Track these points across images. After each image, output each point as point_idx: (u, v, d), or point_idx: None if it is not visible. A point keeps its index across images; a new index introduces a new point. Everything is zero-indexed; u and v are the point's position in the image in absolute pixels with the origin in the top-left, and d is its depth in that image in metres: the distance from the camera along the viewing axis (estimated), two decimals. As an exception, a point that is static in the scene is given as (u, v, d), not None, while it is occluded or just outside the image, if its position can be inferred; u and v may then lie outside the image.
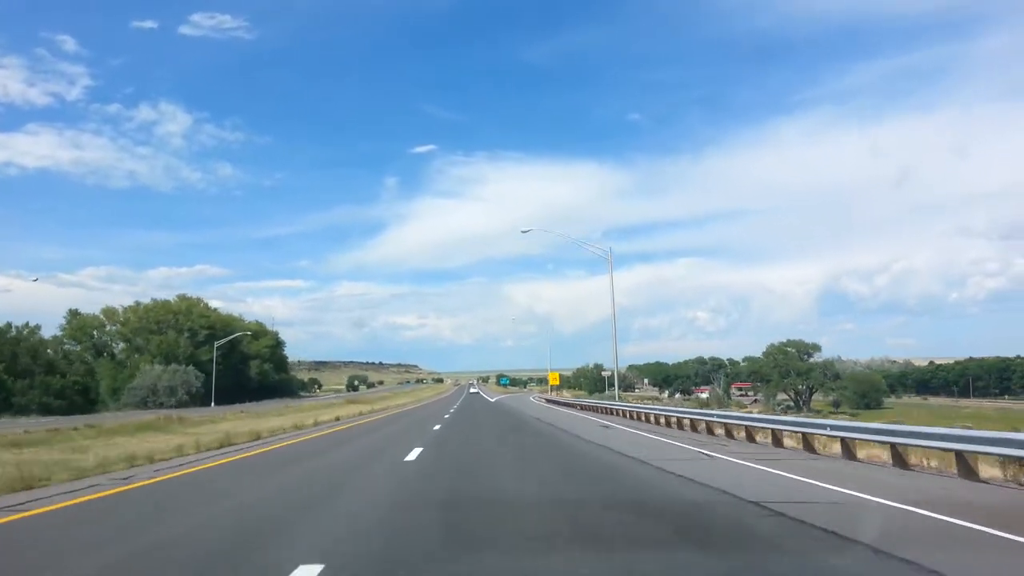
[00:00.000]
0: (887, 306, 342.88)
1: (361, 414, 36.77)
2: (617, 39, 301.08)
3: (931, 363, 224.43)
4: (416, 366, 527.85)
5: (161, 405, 60.62)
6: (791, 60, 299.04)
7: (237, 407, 54.35)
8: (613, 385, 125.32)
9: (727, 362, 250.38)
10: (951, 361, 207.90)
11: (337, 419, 29.37)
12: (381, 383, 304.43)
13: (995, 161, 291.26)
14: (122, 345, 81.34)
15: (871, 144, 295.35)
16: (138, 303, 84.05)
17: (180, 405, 60.02)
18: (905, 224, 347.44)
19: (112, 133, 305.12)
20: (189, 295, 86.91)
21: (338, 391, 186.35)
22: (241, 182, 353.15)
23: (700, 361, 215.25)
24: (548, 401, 63.55)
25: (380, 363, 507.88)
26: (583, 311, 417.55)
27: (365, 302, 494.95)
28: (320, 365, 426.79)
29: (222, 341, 71.86)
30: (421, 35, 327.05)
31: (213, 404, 62.89)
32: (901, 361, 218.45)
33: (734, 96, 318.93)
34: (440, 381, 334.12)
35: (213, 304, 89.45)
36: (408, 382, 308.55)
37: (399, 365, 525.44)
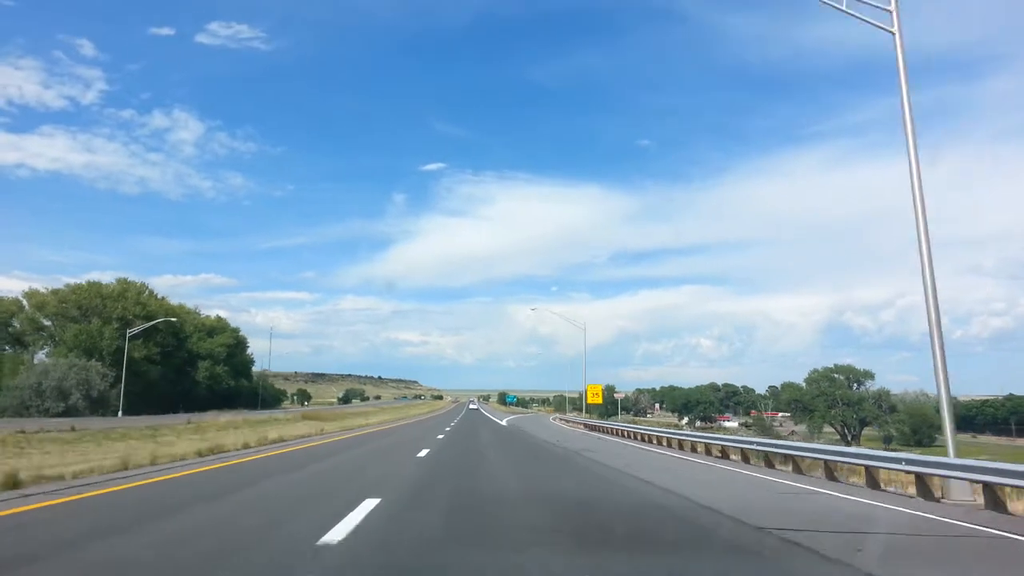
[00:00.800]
0: (891, 341, 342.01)
1: (271, 442, 21.60)
2: (629, 63, 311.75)
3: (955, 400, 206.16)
4: (416, 382, 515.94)
5: (47, 411, 45.56)
6: (803, 92, 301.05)
7: (138, 420, 39.06)
8: (627, 409, 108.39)
9: (741, 389, 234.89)
10: (981, 398, 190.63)
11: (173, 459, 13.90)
12: (379, 398, 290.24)
13: (1005, 201, 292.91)
14: (41, 335, 66.21)
15: (881, 179, 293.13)
16: (68, 285, 68.99)
17: (69, 412, 44.94)
18: (912, 260, 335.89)
19: (125, 138, 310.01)
20: (131, 278, 71.56)
21: (330, 404, 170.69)
22: (251, 192, 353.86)
23: (713, 388, 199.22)
24: (589, 428, 46.09)
25: (380, 378, 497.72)
26: (586, 334, 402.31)
27: (369, 317, 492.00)
28: (317, 377, 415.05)
29: (136, 330, 56.34)
30: (435, 53, 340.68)
31: (121, 414, 47.85)
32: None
33: (746, 125, 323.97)
34: (439, 398, 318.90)
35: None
36: (405, 397, 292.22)
37: (399, 381, 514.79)
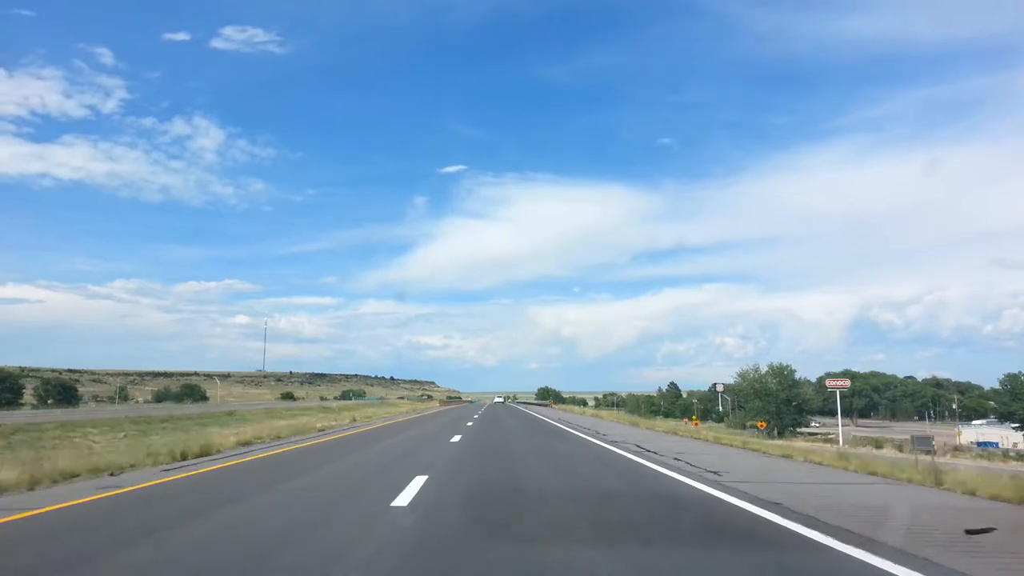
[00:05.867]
0: (919, 337, 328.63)
1: None
2: (649, 60, 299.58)
3: None
4: (433, 383, 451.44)
5: None
6: (825, 86, 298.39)
7: None
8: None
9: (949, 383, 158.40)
10: None
11: None
12: (382, 398, 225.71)
13: None
14: None
15: (905, 173, 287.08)
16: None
17: None
18: (940, 254, 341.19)
19: (146, 146, 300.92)
20: None
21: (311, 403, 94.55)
22: (272, 198, 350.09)
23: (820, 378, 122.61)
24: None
25: (392, 378, 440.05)
26: (607, 335, 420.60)
27: (390, 320, 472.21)
28: (316, 378, 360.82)
29: None
30: (453, 54, 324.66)
31: None
32: None
33: (766, 121, 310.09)
34: (456, 398, 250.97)
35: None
36: (403, 397, 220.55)
37: (414, 382, 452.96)
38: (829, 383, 57.74)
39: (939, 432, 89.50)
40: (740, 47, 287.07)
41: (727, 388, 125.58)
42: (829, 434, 73.63)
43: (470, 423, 28.78)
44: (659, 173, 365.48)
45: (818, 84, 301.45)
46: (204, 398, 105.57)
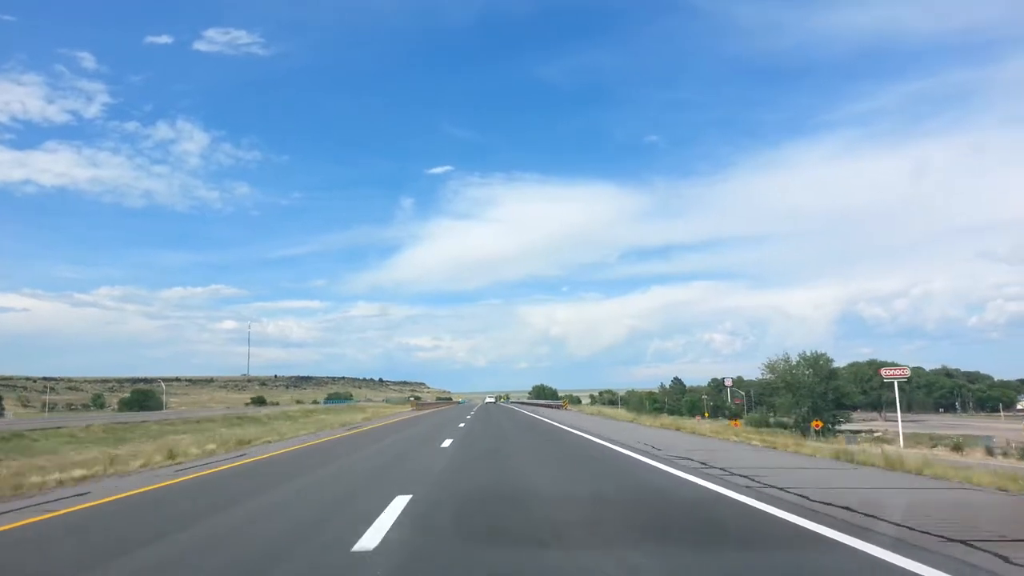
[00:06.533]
0: (905, 330, 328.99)
1: None
2: (638, 58, 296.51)
3: None
4: (423, 384, 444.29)
5: None
6: (811, 82, 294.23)
7: None
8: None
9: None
10: None
11: None
12: (369, 400, 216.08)
13: (1018, 185, 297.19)
14: None
15: (892, 168, 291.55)
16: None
17: None
18: (925, 248, 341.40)
19: (129, 151, 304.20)
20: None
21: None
22: (258, 202, 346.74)
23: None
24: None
25: (380, 380, 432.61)
26: (597, 333, 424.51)
27: (379, 323, 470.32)
28: (302, 381, 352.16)
29: None
30: (441, 54, 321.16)
31: None
32: None
33: (755, 117, 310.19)
34: (447, 399, 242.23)
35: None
36: (388, 400, 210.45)
37: (403, 383, 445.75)
38: (885, 373, 47.97)
39: (992, 427, 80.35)
40: (730, 44, 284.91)
41: (736, 383, 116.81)
42: (874, 431, 64.06)
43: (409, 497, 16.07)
44: (648, 171, 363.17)
45: (807, 80, 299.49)
46: (161, 406, 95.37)
